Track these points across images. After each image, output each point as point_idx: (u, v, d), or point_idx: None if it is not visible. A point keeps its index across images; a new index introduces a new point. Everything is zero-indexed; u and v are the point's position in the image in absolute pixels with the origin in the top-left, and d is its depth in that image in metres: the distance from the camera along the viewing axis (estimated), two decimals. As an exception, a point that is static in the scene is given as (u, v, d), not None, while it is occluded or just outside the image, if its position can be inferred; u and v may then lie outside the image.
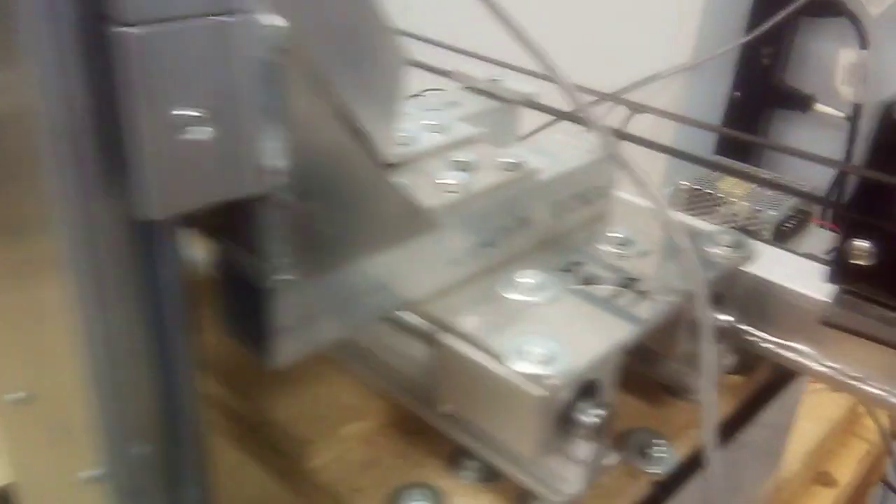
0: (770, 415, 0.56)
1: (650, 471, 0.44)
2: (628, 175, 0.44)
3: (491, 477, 0.41)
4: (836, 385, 0.45)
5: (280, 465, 0.43)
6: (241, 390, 0.44)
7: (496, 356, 0.35)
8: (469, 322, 0.38)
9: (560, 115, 0.49)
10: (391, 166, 0.40)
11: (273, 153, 0.29)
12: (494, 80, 0.55)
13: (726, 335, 0.45)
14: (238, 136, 0.27)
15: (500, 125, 0.53)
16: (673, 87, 1.13)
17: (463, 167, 0.41)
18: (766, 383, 0.54)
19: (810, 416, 0.80)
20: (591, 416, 0.36)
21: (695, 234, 0.46)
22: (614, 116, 0.61)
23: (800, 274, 0.46)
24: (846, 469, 0.83)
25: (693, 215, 1.07)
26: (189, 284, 0.31)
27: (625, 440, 0.45)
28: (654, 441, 0.45)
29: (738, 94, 1.27)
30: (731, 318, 0.44)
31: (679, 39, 1.17)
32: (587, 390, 0.37)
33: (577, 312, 0.39)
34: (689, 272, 0.40)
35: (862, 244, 0.42)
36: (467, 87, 0.55)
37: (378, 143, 0.39)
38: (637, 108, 0.54)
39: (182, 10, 0.25)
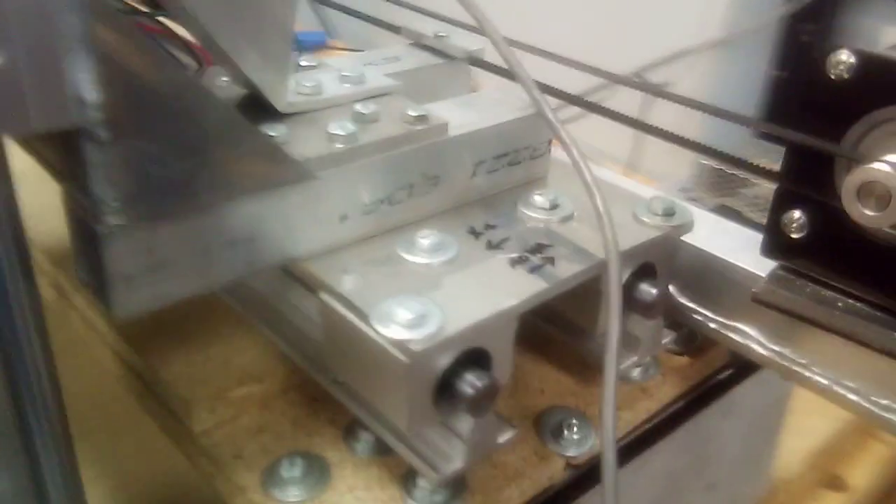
0: (740, 404, 0.52)
1: (564, 453, 0.40)
2: (553, 134, 0.41)
3: (383, 450, 0.39)
4: (785, 373, 0.41)
5: (171, 426, 0.41)
6: (138, 345, 0.43)
7: (364, 318, 0.33)
8: (350, 282, 0.35)
9: (498, 72, 0.46)
10: (283, 114, 0.38)
11: (83, 85, 0.27)
12: (440, 35, 0.52)
13: (657, 311, 0.41)
14: (37, 64, 0.26)
15: (444, 82, 0.50)
16: (702, 64, 1.07)
17: (361, 119, 0.38)
18: (730, 367, 0.49)
19: (819, 411, 0.74)
20: (470, 386, 0.33)
21: (626, 199, 0.42)
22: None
23: (745, 246, 0.42)
24: (861, 473, 0.77)
25: (716, 196, 1.01)
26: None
27: (543, 419, 0.42)
28: (574, 422, 0.41)
29: (781, 73, 1.19)
30: (655, 291, 0.40)
31: (709, 13, 1.11)
32: (476, 359, 0.34)
33: (471, 276, 0.36)
34: (603, 237, 0.37)
35: (792, 214, 0.38)
36: (413, 44, 0.53)
37: (266, 91, 0.37)
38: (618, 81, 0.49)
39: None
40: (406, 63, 0.49)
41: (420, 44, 0.52)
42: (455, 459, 0.35)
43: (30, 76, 0.26)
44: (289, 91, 0.39)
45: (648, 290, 0.40)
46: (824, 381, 0.39)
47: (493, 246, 0.38)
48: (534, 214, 0.41)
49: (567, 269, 0.37)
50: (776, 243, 0.39)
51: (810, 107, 0.37)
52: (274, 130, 0.36)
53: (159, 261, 0.32)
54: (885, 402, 0.37)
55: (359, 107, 0.39)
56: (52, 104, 0.26)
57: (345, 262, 0.36)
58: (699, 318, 0.44)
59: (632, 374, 0.45)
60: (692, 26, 1.09)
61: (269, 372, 0.42)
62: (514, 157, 0.43)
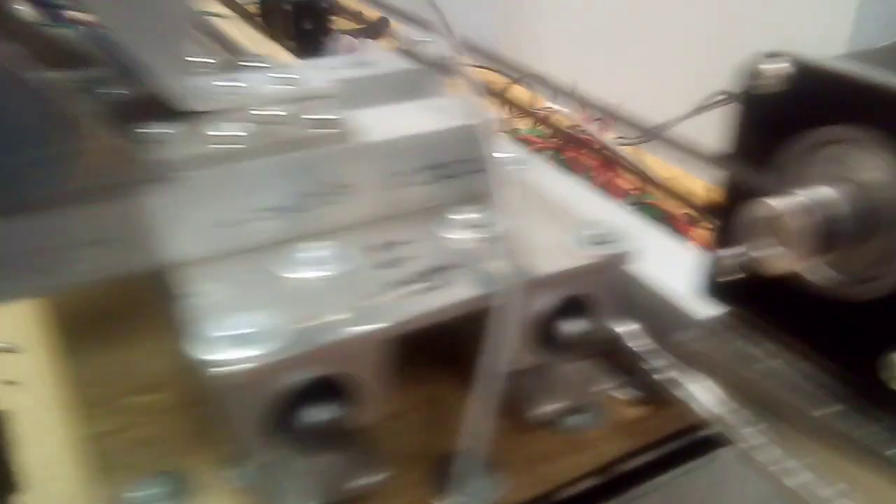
0: (721, 475, 0.45)
1: (453, 504, 0.35)
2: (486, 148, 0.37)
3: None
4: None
5: (76, 428, 0.40)
6: (62, 339, 0.42)
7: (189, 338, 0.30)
8: (207, 292, 0.33)
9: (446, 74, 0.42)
10: (185, 114, 0.37)
11: None
12: (424, 41, 0.48)
13: (579, 352, 0.36)
14: None
15: (413, 89, 0.46)
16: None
17: (254, 120, 0.36)
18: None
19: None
20: (308, 417, 0.30)
21: (570, 224, 0.37)
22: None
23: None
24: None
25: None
26: None
27: (443, 465, 0.37)
28: (472, 471, 0.36)
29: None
30: (576, 330, 0.35)
31: (833, 32, 1.02)
32: (336, 388, 0.31)
33: (344, 295, 0.33)
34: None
35: (727, 252, 0.32)
36: (399, 48, 0.50)
37: (162, 89, 0.35)
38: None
39: None
40: (376, 69, 0.46)
41: (404, 48, 0.49)
42: (297, 498, 0.32)
43: None
44: (202, 90, 0.37)
45: (570, 327, 0.35)
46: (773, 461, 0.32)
47: (386, 264, 0.35)
48: (452, 234, 0.37)
49: (458, 295, 0.33)
50: (712, 284, 0.34)
51: (741, 125, 0.31)
52: (156, 128, 0.34)
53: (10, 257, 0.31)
54: (827, 493, 0.31)
55: (262, 109, 0.36)
56: None
57: (210, 273, 0.34)
58: (646, 366, 0.38)
59: (565, 421, 0.40)
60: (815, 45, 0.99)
61: (169, 382, 0.40)
62: (448, 171, 0.39)
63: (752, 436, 0.32)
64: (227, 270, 0.34)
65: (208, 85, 0.38)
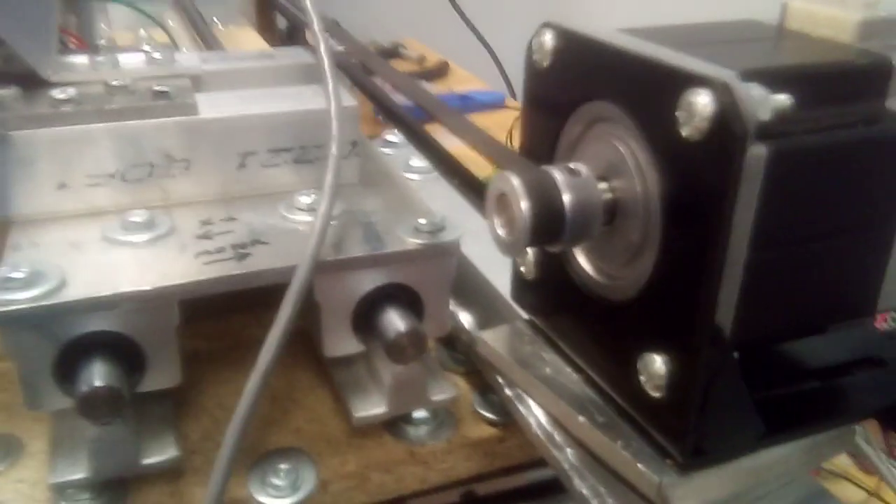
0: None
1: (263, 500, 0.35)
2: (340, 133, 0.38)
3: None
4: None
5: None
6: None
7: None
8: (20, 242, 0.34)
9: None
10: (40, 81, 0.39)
11: None
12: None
13: (407, 353, 0.34)
14: None
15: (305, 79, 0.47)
16: None
17: (105, 90, 0.38)
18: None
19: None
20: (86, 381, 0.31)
21: (414, 213, 0.37)
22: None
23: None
24: None
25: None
26: None
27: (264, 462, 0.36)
28: (284, 468, 0.36)
29: None
30: (402, 326, 0.34)
31: None
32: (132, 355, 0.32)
33: (142, 259, 0.34)
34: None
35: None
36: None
37: (27, 59, 0.38)
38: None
39: None
40: (268, 61, 0.47)
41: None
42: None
43: None
44: (61, 63, 0.40)
45: (392, 322, 0.34)
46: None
47: (203, 236, 0.36)
48: (288, 214, 0.38)
49: (251, 266, 0.33)
50: (515, 284, 0.33)
51: (525, 100, 0.31)
52: (4, 92, 0.37)
53: None
54: None
55: (112, 80, 0.39)
56: None
57: (44, 227, 0.36)
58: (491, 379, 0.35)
59: (406, 432, 0.38)
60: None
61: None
62: (301, 155, 0.40)
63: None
64: (52, 230, 0.36)
65: (69, 59, 0.40)
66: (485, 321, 0.38)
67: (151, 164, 0.38)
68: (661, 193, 0.24)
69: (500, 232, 0.27)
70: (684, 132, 0.22)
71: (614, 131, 0.27)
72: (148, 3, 0.87)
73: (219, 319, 0.44)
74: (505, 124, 1.16)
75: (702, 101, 0.22)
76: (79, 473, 0.33)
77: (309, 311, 0.35)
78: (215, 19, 0.88)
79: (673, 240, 0.24)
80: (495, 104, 1.27)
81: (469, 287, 0.40)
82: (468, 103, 1.25)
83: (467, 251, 0.39)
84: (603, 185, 0.26)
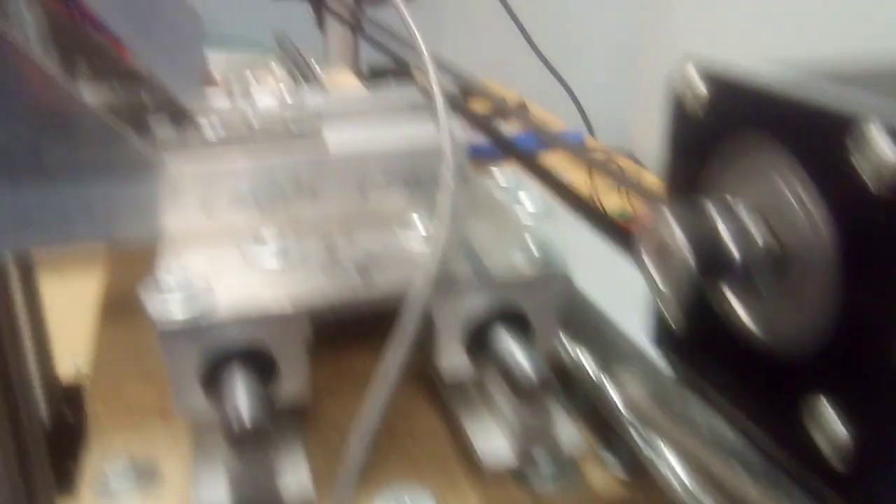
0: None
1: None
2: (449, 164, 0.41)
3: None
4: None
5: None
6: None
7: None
8: (180, 261, 0.39)
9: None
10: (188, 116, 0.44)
11: None
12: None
13: (529, 390, 0.34)
14: None
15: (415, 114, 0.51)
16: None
17: (243, 123, 0.42)
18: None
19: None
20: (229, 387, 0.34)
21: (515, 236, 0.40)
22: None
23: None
24: None
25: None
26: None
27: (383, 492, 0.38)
28: (406, 499, 0.38)
29: None
30: (527, 366, 0.34)
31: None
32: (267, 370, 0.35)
33: (280, 276, 0.38)
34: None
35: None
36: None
37: (177, 97, 0.43)
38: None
39: None
40: (381, 100, 0.52)
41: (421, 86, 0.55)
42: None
43: None
44: (217, 101, 0.44)
45: (515, 356, 0.35)
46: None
47: (329, 257, 0.39)
48: (403, 236, 0.41)
49: (375, 285, 0.37)
50: (658, 329, 0.32)
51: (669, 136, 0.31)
52: (158, 120, 0.42)
53: (20, 214, 0.39)
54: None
55: (250, 115, 0.43)
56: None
57: (190, 247, 0.40)
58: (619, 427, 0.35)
59: (530, 477, 0.39)
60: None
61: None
62: (416, 184, 0.44)
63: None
64: (198, 247, 0.40)
65: (215, 96, 0.45)
66: (604, 362, 0.39)
67: (284, 192, 0.42)
68: (838, 246, 0.22)
69: (655, 274, 0.26)
70: (871, 186, 0.20)
71: (776, 175, 0.25)
72: (250, 46, 0.94)
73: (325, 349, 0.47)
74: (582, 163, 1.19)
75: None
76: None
77: (424, 336, 0.37)
78: (313, 61, 0.94)
79: (857, 294, 0.22)
80: (576, 144, 1.29)
81: (585, 324, 0.41)
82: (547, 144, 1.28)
83: (583, 286, 0.41)
84: (764, 229, 0.25)
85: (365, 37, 0.73)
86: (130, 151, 0.39)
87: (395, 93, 0.52)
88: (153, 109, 0.44)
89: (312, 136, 0.42)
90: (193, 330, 0.34)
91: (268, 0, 1.31)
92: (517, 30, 1.44)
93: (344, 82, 0.89)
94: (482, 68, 1.64)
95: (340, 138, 0.43)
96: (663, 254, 0.25)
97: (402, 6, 0.46)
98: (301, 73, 0.87)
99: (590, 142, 1.29)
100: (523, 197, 0.45)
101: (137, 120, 0.42)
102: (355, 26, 0.82)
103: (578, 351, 0.40)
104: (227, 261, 0.39)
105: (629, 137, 1.36)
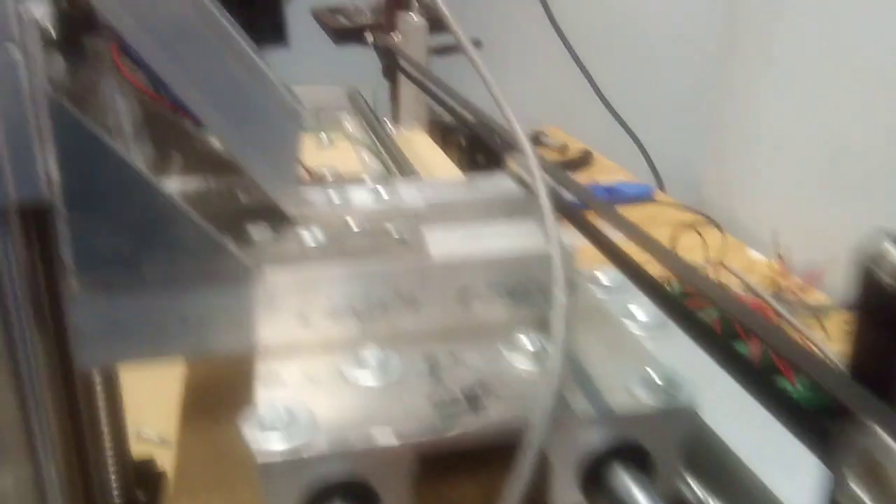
0: None
1: None
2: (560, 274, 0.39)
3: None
4: None
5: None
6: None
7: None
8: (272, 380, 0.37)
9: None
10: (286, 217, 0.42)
11: (51, 167, 0.34)
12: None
13: None
14: (12, 146, 0.33)
15: (513, 212, 0.49)
16: None
17: (342, 230, 0.41)
18: None
19: None
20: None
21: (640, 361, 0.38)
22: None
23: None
24: None
25: None
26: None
27: None
28: None
29: None
30: (631, 481, 0.34)
31: None
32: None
33: (385, 405, 0.35)
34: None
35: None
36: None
37: (274, 197, 0.41)
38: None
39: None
40: (476, 191, 0.50)
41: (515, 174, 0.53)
42: None
43: (8, 159, 0.33)
44: (303, 199, 0.43)
45: (621, 475, 0.34)
46: None
47: (435, 380, 0.37)
48: (510, 357, 0.39)
49: (487, 419, 0.35)
50: None
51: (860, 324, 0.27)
52: (257, 228, 0.40)
53: (114, 325, 0.37)
54: None
55: (352, 221, 0.41)
56: (26, 181, 0.34)
57: (286, 360, 0.38)
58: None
59: None
60: None
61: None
62: (520, 292, 0.42)
63: None
64: (294, 362, 0.38)
65: (310, 196, 0.43)
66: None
67: (383, 302, 0.40)
68: None
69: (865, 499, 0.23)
70: None
71: None
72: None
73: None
74: (655, 219, 1.16)
75: None
76: None
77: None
78: (386, 121, 0.93)
79: None
80: (643, 197, 1.26)
81: (712, 463, 0.39)
82: (615, 196, 1.25)
83: (709, 420, 0.38)
84: None
85: (442, 104, 0.72)
86: (229, 261, 0.37)
87: (491, 184, 0.50)
88: (249, 209, 0.42)
89: (412, 240, 0.40)
90: (293, 463, 0.32)
91: (333, 45, 1.31)
92: (583, 75, 1.42)
93: (421, 148, 0.87)
94: (546, 113, 1.63)
95: (440, 242, 0.41)
96: (879, 478, 0.22)
97: (503, 103, 0.44)
98: (373, 131, 0.86)
99: (659, 196, 1.26)
100: (634, 307, 0.42)
101: (232, 221, 0.41)
102: (428, 88, 0.81)
103: (706, 494, 0.37)
104: (324, 377, 0.37)
105: (701, 193, 1.33)
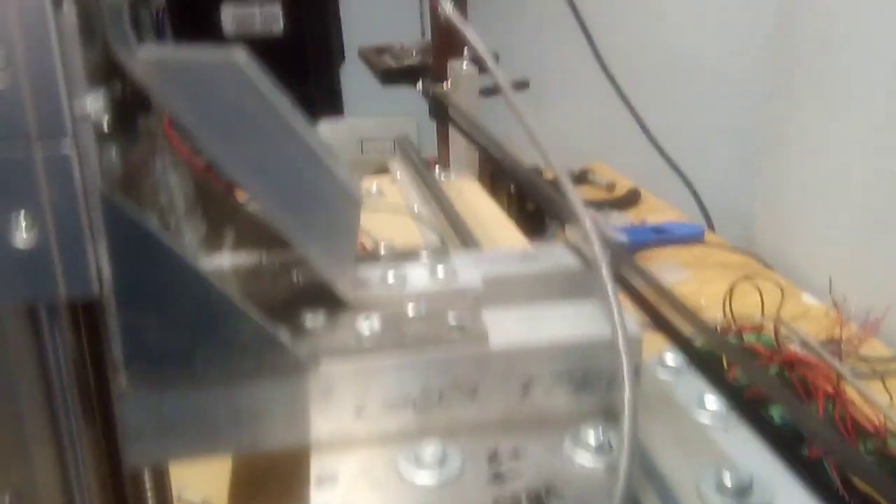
0: None
1: None
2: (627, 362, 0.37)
3: None
4: None
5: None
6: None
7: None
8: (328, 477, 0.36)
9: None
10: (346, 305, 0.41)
11: (102, 264, 0.33)
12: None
13: None
14: (63, 243, 0.32)
15: (573, 289, 0.47)
16: None
17: (400, 317, 0.39)
18: None
19: None
20: None
21: (710, 461, 0.36)
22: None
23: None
24: None
25: None
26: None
27: None
28: None
29: None
30: None
31: None
32: None
33: (443, 492, 0.34)
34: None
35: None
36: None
37: (331, 282, 0.40)
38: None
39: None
40: (532, 265, 0.48)
41: (572, 244, 0.51)
42: None
43: (59, 255, 0.33)
44: (358, 281, 0.42)
45: None
46: None
47: (497, 478, 0.35)
48: (575, 454, 0.37)
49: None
50: None
51: None
52: (313, 317, 0.39)
53: (164, 421, 0.36)
54: None
55: (409, 306, 0.40)
56: (77, 277, 0.33)
57: (341, 456, 0.37)
58: None
59: None
60: None
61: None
62: (582, 381, 0.40)
63: None
64: (349, 456, 0.37)
65: (365, 275, 0.42)
66: None
67: (441, 392, 0.38)
68: None
69: None
70: None
71: None
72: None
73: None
74: (704, 261, 1.13)
75: None
76: None
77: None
78: (437, 171, 0.92)
79: None
80: (694, 238, 1.23)
81: None
82: (664, 237, 1.23)
83: None
84: None
85: (491, 157, 0.70)
86: (284, 355, 0.36)
87: (548, 256, 0.48)
88: (303, 291, 0.41)
89: (470, 326, 0.39)
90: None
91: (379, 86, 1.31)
92: (630, 113, 1.40)
93: (471, 198, 0.86)
94: (594, 149, 1.61)
95: (499, 327, 0.40)
96: None
97: (571, 190, 0.42)
98: (425, 182, 0.85)
99: (709, 238, 1.23)
100: (704, 393, 0.40)
101: (286, 306, 0.40)
102: (478, 140, 0.79)
103: None
104: (380, 473, 0.36)
105: (752, 234, 1.29)
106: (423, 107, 1.06)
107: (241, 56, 0.36)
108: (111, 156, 0.34)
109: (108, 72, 0.36)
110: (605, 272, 0.39)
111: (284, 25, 0.49)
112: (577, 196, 0.46)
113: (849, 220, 1.07)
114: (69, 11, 0.32)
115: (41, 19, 0.30)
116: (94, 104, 0.32)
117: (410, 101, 1.28)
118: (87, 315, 0.36)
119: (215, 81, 0.36)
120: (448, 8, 0.52)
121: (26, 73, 0.31)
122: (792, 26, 1.18)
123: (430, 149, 1.48)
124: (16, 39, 0.30)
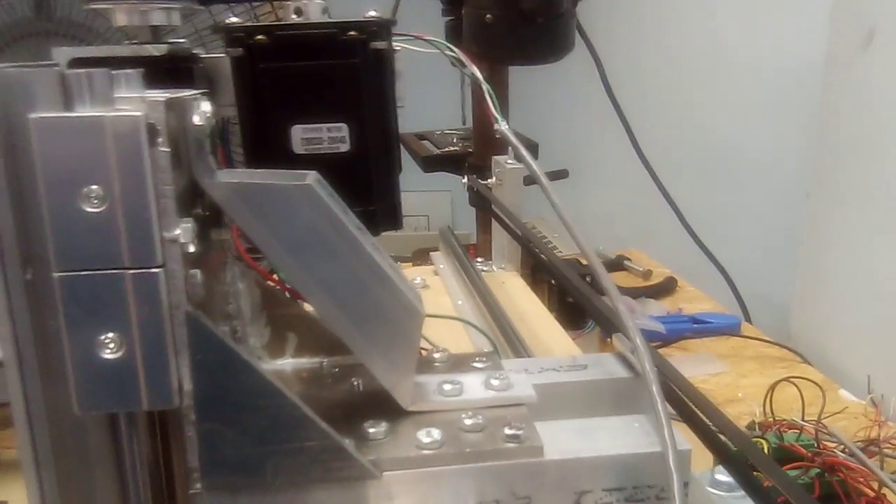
0: None
1: None
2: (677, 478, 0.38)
3: None
4: None
5: None
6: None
7: None
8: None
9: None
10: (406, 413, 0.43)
11: (183, 377, 0.35)
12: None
13: None
14: (148, 358, 0.35)
15: (624, 399, 0.49)
16: None
17: (459, 427, 0.41)
18: None
19: None
20: None
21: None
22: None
23: None
24: None
25: None
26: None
27: None
28: None
29: None
30: None
31: None
32: None
33: None
34: None
35: None
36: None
37: (391, 391, 0.42)
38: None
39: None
40: (584, 374, 0.50)
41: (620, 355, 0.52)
42: None
43: (144, 369, 0.35)
44: (418, 391, 0.44)
45: None
46: None
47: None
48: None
49: None
50: None
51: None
52: (375, 427, 0.41)
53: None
54: None
55: (466, 417, 0.42)
56: (159, 391, 0.35)
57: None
58: None
59: None
60: None
61: None
62: (633, 495, 0.41)
63: None
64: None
65: (422, 382, 0.44)
66: None
67: (497, 501, 0.40)
68: None
69: None
70: None
71: None
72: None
73: None
74: (741, 352, 1.13)
75: None
76: None
77: None
78: (479, 263, 0.94)
79: None
80: (730, 330, 1.24)
81: None
82: (701, 326, 1.23)
83: None
84: None
85: (533, 255, 0.72)
86: (350, 463, 0.38)
87: (598, 366, 0.50)
88: (365, 400, 0.43)
89: (525, 437, 0.40)
90: None
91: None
92: (667, 201, 1.42)
93: (514, 291, 0.88)
94: (631, 236, 1.62)
95: (553, 439, 0.41)
96: None
97: (615, 295, 0.44)
98: (467, 273, 0.87)
99: (745, 329, 1.23)
100: None
101: (349, 414, 0.42)
102: (521, 238, 0.82)
103: None
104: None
105: (788, 326, 1.29)
106: (456, 181, 1.09)
107: (313, 179, 0.39)
108: (195, 275, 0.37)
109: (192, 195, 0.39)
110: (655, 388, 0.41)
111: (350, 143, 0.52)
112: (624, 308, 0.48)
113: (887, 318, 1.07)
114: (163, 146, 0.35)
115: (137, 156, 0.33)
116: (184, 232, 0.35)
117: (444, 176, 1.31)
118: (161, 420, 0.38)
119: (290, 203, 0.39)
120: (503, 126, 0.55)
121: (121, 206, 0.33)
122: (836, 124, 1.20)
123: (464, 224, 1.50)
124: (113, 175, 0.33)
